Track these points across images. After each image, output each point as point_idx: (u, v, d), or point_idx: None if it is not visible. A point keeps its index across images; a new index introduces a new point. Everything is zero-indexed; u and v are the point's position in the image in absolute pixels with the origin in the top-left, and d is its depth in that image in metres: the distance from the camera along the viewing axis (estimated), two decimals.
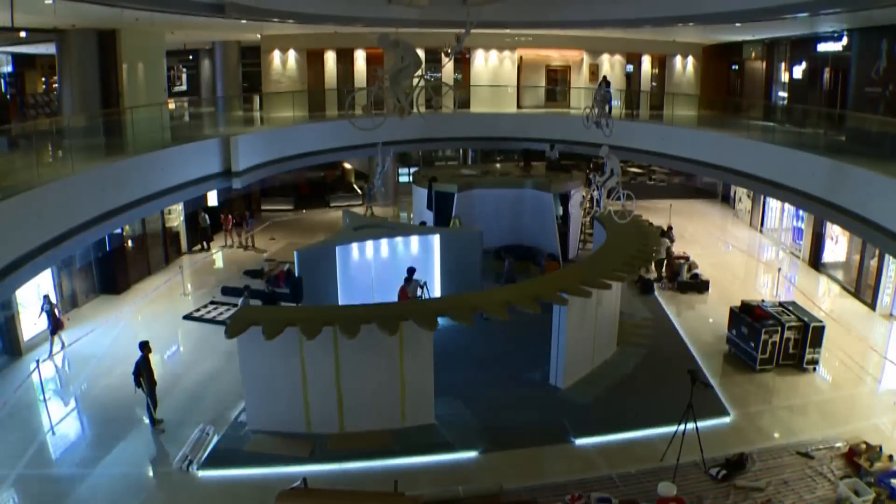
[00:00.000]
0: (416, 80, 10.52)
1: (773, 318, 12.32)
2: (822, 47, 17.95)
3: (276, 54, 22.87)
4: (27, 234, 9.68)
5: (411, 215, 20.74)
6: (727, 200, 24.85)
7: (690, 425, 9.17)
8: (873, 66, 14.72)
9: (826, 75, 18.28)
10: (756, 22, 15.76)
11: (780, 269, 16.80)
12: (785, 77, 20.55)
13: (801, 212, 18.29)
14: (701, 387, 9.40)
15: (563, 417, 10.65)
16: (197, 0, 13.86)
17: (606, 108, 13.78)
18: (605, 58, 24.28)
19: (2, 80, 20.26)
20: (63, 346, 12.88)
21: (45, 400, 11.25)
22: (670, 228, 18.74)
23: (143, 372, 10.18)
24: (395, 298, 12.90)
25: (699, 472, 9.31)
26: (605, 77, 14.90)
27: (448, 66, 22.74)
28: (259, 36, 22.08)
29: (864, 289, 15.40)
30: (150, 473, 9.45)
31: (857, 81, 15.55)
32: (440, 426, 10.38)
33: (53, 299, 13.13)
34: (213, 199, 21.11)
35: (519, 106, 24.11)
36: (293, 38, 22.49)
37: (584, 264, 12.39)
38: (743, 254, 20.05)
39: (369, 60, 22.69)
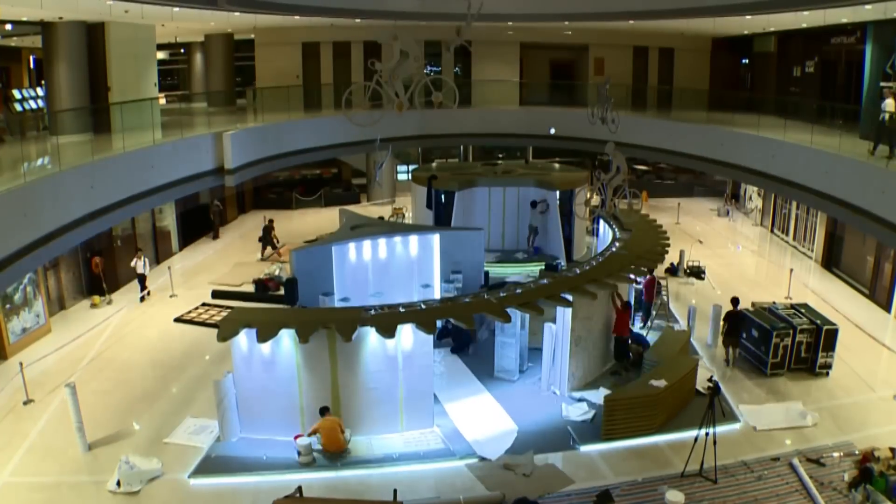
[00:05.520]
0: (415, 75, 10.19)
1: (784, 321, 11.95)
2: (835, 41, 17.55)
3: (271, 48, 22.45)
4: (13, 233, 9.41)
5: (409, 214, 20.42)
6: (737, 199, 24.44)
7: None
8: (887, 60, 14.33)
9: (839, 69, 17.88)
10: (767, 14, 15.38)
11: (791, 270, 16.42)
12: (797, 71, 20.14)
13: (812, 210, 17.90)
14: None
15: (568, 424, 10.34)
16: None
17: (607, 105, 13.57)
18: (611, 51, 23.84)
19: None
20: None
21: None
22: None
23: None
24: (395, 299, 12.42)
25: (705, 480, 9.04)
26: (608, 78, 14.75)
27: (448, 60, 22.37)
28: (254, 28, 21.68)
29: (879, 291, 15.00)
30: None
31: (872, 76, 15.15)
32: (440, 432, 10.04)
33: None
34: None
35: (522, 102, 23.66)
36: (288, 31, 22.06)
37: (589, 265, 12.04)
38: (753, 254, 19.66)
39: (366, 54, 22.30)
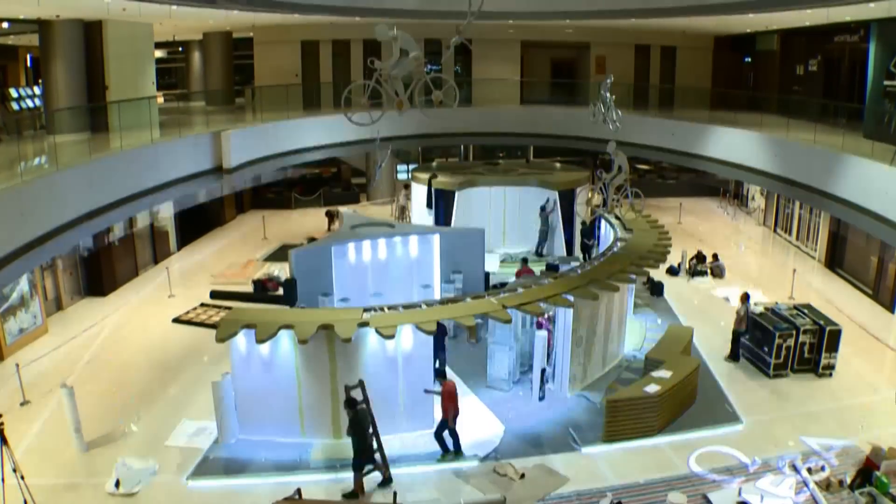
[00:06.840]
0: (415, 74, 10.06)
1: (787, 322, 11.84)
2: (839, 39, 17.45)
3: (270, 46, 22.33)
4: (9, 233, 9.34)
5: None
6: (739, 198, 24.32)
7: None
8: (891, 58, 14.23)
9: (842, 68, 17.75)
10: (769, 13, 15.27)
11: (794, 270, 16.32)
12: (800, 69, 20.03)
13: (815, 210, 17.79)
14: None
15: (569, 425, 10.25)
16: None
17: (608, 104, 13.49)
18: (613, 50, 23.69)
19: None
20: None
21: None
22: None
23: None
24: (394, 300, 12.36)
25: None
26: (609, 76, 14.62)
27: (449, 58, 22.21)
28: (252, 27, 21.57)
29: (883, 291, 14.90)
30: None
31: (875, 74, 15.04)
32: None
33: None
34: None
35: (522, 100, 23.53)
36: (287, 30, 21.95)
37: (590, 265, 11.95)
38: (756, 254, 19.55)
39: (366, 52, 22.18)
